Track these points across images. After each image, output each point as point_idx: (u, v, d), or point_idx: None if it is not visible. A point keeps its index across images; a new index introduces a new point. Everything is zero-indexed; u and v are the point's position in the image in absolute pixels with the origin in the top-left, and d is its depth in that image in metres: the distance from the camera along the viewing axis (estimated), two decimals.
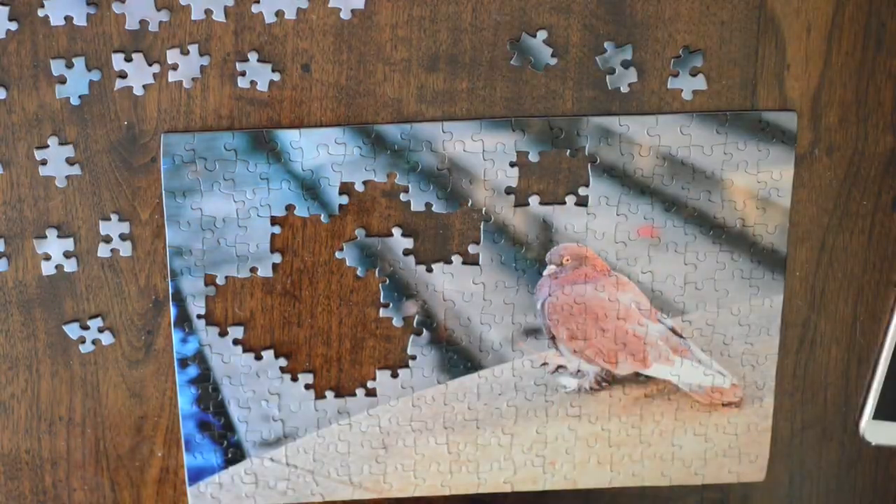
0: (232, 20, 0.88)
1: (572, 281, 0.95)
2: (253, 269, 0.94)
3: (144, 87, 0.88)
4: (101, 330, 0.94)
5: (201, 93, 0.89)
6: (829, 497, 1.04)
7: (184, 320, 0.94)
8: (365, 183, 0.92)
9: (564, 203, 0.94)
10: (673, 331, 0.97)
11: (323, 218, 0.93)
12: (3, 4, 0.86)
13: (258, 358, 0.96)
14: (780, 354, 0.99)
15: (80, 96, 0.88)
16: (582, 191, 0.93)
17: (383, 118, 0.91)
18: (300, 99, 0.90)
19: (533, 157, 0.92)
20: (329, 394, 0.97)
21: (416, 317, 0.96)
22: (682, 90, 0.92)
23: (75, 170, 0.90)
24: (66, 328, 0.93)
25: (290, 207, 0.92)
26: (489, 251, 0.94)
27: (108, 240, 0.92)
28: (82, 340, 0.94)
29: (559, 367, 0.98)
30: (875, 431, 1.01)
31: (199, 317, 0.94)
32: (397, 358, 0.97)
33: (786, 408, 1.01)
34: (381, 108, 0.91)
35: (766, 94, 0.93)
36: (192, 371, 0.95)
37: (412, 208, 0.93)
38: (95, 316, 0.94)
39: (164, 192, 0.91)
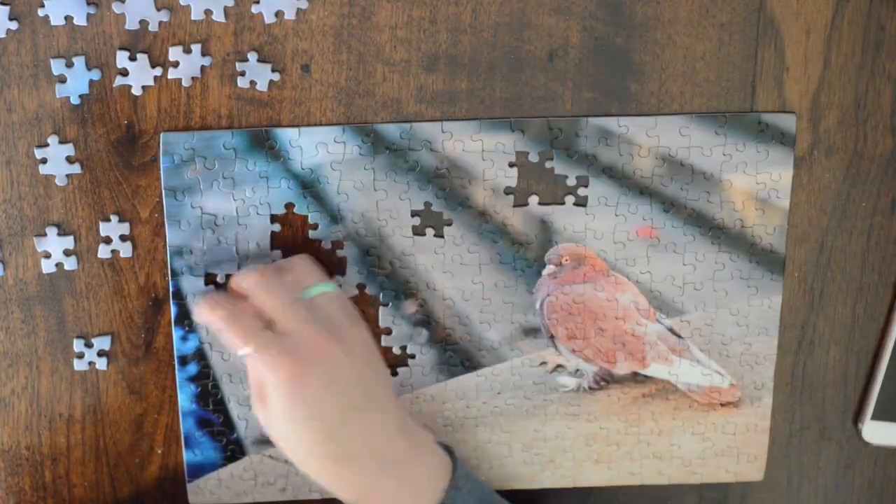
0: (232, 20, 0.88)
1: (571, 281, 0.95)
2: None
3: (143, 87, 0.89)
4: (100, 354, 0.94)
5: (201, 93, 0.89)
6: (828, 497, 1.04)
7: (184, 318, 0.94)
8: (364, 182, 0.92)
9: (563, 203, 0.94)
10: (671, 331, 0.97)
11: (323, 216, 0.93)
12: (3, 4, 0.86)
13: None
14: (779, 355, 0.99)
15: (80, 95, 0.89)
16: (581, 191, 0.94)
17: (383, 119, 0.91)
18: (300, 99, 0.90)
19: (532, 158, 0.93)
20: None
21: (416, 315, 0.96)
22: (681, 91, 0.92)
23: (75, 168, 0.90)
24: (75, 340, 0.94)
25: (289, 206, 0.93)
26: (489, 251, 0.95)
27: (108, 241, 0.92)
28: (80, 356, 0.95)
29: (558, 366, 0.98)
30: (874, 432, 1.01)
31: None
32: (396, 357, 0.97)
33: (784, 408, 1.01)
34: (381, 109, 0.91)
35: (765, 96, 0.93)
36: (192, 369, 0.96)
37: (411, 207, 0.93)
38: (104, 335, 0.94)
39: (163, 190, 0.91)
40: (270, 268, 0.88)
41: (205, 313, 0.86)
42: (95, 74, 0.88)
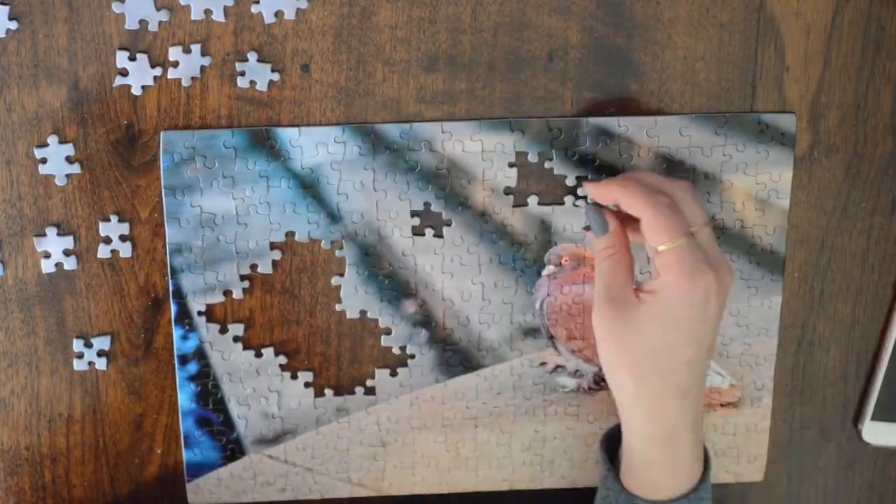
0: (231, 20, 0.88)
1: (571, 281, 0.95)
2: (253, 267, 0.94)
3: (143, 87, 0.89)
4: (100, 354, 0.95)
5: (200, 92, 0.89)
6: (828, 497, 1.04)
7: (184, 317, 0.94)
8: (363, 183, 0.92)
9: (563, 203, 0.94)
10: None
11: (322, 216, 0.93)
12: (3, 4, 0.86)
13: (258, 355, 0.96)
14: (779, 355, 0.99)
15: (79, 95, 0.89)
16: (581, 191, 0.93)
17: (382, 119, 0.91)
18: (299, 99, 0.90)
19: (532, 158, 0.93)
20: (328, 392, 0.97)
21: (416, 316, 0.96)
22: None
23: (75, 168, 0.90)
24: (74, 340, 0.94)
25: (289, 234, 0.93)
26: (488, 251, 0.95)
27: (107, 241, 0.92)
28: (80, 356, 0.95)
29: (557, 366, 0.98)
30: (874, 432, 1.01)
31: (199, 314, 0.95)
32: (396, 357, 0.97)
33: (784, 408, 1.01)
34: (381, 109, 0.91)
35: (765, 96, 0.93)
36: (192, 368, 0.96)
37: (411, 208, 0.93)
38: (104, 335, 0.94)
39: (163, 189, 0.91)
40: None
41: (639, 194, 0.84)
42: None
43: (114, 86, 0.89)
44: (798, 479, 1.04)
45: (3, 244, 0.92)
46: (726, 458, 1.01)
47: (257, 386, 0.96)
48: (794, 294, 0.98)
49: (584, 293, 0.96)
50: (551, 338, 0.97)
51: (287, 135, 0.91)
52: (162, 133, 0.90)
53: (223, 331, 0.95)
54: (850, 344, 1.00)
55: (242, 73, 0.89)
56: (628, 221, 0.86)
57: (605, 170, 0.93)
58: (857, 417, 1.02)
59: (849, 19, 0.91)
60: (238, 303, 0.95)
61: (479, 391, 0.98)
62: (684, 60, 0.91)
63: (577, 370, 0.98)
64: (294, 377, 0.97)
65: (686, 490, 0.87)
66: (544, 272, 0.95)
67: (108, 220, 0.92)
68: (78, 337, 0.94)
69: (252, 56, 0.89)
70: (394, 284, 0.95)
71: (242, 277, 0.94)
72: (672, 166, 0.93)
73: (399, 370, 0.97)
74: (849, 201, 0.96)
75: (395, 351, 0.97)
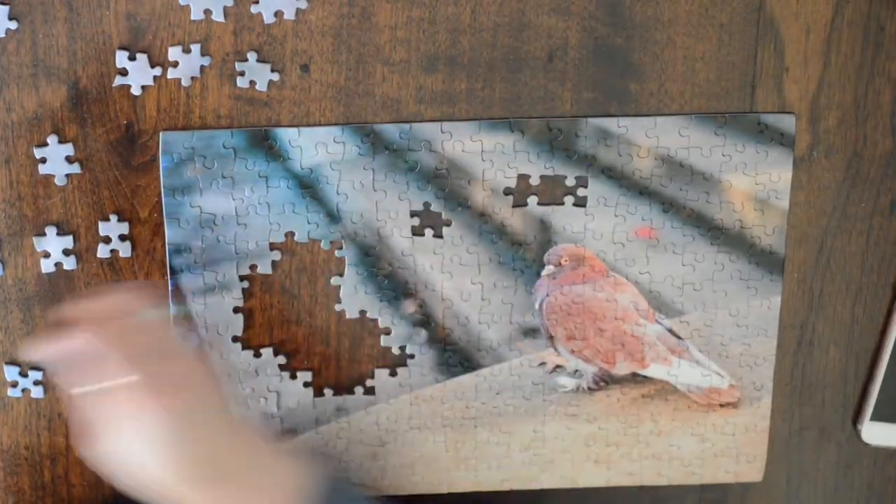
0: (231, 20, 0.88)
1: (570, 281, 0.95)
2: (252, 267, 0.94)
3: (143, 87, 0.89)
4: (36, 383, 0.95)
5: (200, 92, 0.89)
6: (827, 498, 1.04)
7: (183, 318, 0.94)
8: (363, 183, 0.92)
9: (563, 204, 0.94)
10: (671, 331, 0.97)
11: (322, 216, 0.93)
12: (3, 4, 0.86)
13: (257, 355, 0.96)
14: (778, 355, 0.99)
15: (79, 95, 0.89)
16: (580, 192, 0.94)
17: (382, 119, 0.91)
18: (299, 99, 0.90)
19: (532, 158, 0.93)
20: (327, 392, 0.97)
21: (415, 316, 0.96)
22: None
23: (75, 168, 0.90)
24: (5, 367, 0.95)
25: (289, 234, 0.93)
26: (488, 251, 0.95)
27: (107, 240, 0.92)
28: (14, 384, 0.95)
29: (557, 366, 0.98)
30: (873, 433, 1.01)
31: (198, 314, 0.94)
32: (396, 357, 0.97)
33: (784, 409, 1.01)
34: (380, 109, 0.91)
35: (764, 97, 0.93)
36: None
37: (410, 208, 0.93)
38: (37, 369, 0.95)
39: (163, 189, 0.91)
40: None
41: (85, 337, 0.80)
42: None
43: (113, 86, 0.89)
44: (798, 479, 1.04)
45: (2, 244, 0.92)
46: (725, 459, 1.01)
47: (256, 386, 0.96)
48: (794, 294, 0.98)
49: (583, 293, 0.96)
50: (551, 338, 0.97)
51: (286, 135, 0.91)
52: (161, 133, 0.90)
53: (222, 331, 0.95)
54: (849, 344, 1.00)
55: (242, 73, 0.89)
56: None
57: (605, 170, 0.93)
58: (857, 418, 1.02)
59: (849, 19, 0.91)
60: (237, 303, 0.95)
61: (479, 391, 0.98)
62: (684, 60, 0.91)
63: (577, 370, 0.98)
64: (293, 377, 0.97)
65: None
66: (544, 272, 0.95)
67: (107, 219, 0.92)
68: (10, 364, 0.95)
69: (252, 56, 0.89)
70: (393, 284, 0.95)
71: (242, 278, 0.94)
72: (671, 166, 0.93)
73: (398, 370, 0.97)
74: (848, 201, 0.96)
75: (395, 351, 0.97)
